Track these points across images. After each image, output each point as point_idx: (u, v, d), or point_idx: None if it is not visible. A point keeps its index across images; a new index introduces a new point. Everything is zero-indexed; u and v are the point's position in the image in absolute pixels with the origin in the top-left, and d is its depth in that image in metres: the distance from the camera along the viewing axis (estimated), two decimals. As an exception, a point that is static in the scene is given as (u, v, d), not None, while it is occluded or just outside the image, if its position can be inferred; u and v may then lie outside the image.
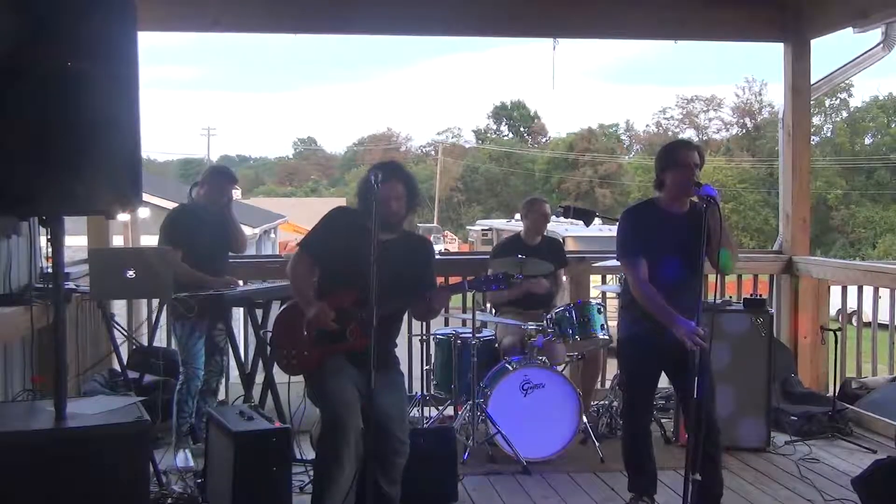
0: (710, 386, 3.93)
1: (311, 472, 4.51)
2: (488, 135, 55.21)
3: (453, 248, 33.30)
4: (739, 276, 6.69)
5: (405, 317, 4.34)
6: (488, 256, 6.05)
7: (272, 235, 26.40)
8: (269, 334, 4.94)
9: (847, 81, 31.25)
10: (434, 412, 5.62)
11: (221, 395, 5.60)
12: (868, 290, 6.45)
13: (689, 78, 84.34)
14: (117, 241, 8.14)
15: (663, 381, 4.37)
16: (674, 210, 4.04)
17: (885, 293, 6.32)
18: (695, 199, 3.95)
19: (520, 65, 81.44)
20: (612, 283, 7.19)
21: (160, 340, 5.56)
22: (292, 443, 4.33)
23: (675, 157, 4.01)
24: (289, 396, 4.45)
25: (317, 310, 3.76)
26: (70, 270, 5.01)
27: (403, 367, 4.22)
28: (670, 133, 47.28)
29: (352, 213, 4.01)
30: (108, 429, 3.15)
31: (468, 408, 5.14)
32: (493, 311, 5.92)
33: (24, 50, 2.93)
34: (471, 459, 5.02)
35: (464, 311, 6.00)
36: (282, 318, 4.04)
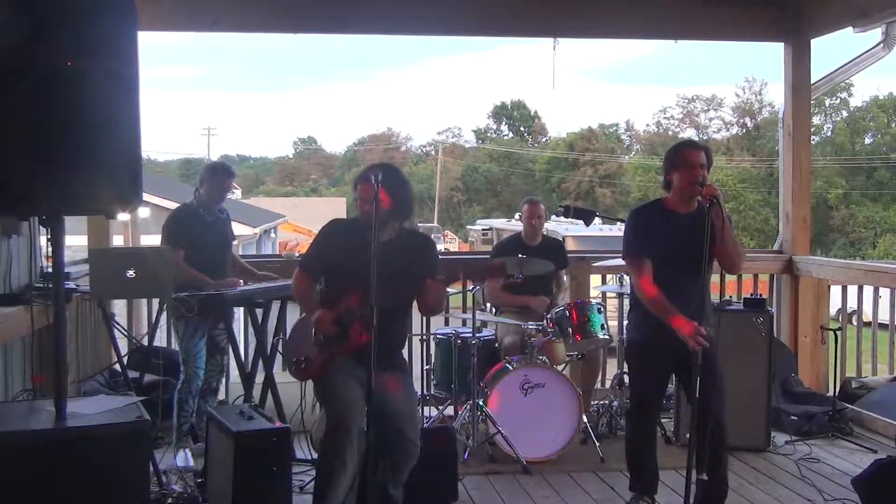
0: (719, 386, 3.94)
1: (312, 472, 4.53)
2: (488, 134, 55.19)
3: (453, 247, 33.32)
4: (739, 276, 6.68)
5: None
6: (489, 256, 6.05)
7: (272, 235, 26.41)
8: (279, 340, 4.98)
9: (847, 81, 31.27)
10: (434, 412, 5.62)
11: (221, 395, 5.60)
12: (868, 290, 6.45)
13: (690, 78, 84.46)
14: (117, 241, 8.14)
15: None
16: (680, 211, 4.04)
17: (885, 293, 6.32)
18: (699, 198, 3.95)
19: (520, 65, 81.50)
20: (612, 283, 7.18)
21: (160, 340, 5.56)
22: (292, 443, 4.32)
23: (681, 157, 4.01)
24: (302, 397, 4.47)
25: (317, 316, 3.84)
26: (70, 270, 5.01)
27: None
28: (671, 133, 47.29)
29: (345, 222, 4.20)
30: (108, 429, 3.15)
31: (468, 408, 5.14)
32: (494, 310, 5.92)
33: (24, 50, 2.93)
34: (471, 459, 5.02)
35: (464, 311, 6.00)
36: (297, 327, 4.14)
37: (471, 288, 5.68)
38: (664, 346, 3.95)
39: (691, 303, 3.86)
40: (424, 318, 5.81)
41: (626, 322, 4.31)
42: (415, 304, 4.08)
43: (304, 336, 3.95)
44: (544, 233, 6.08)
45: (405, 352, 4.59)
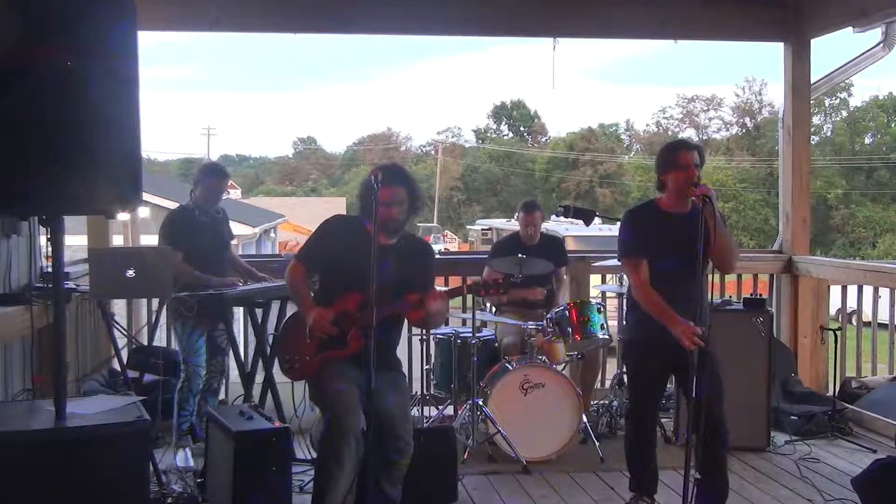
0: (719, 386, 3.94)
1: (312, 472, 4.53)
2: (488, 134, 55.19)
3: (453, 247, 33.32)
4: (739, 276, 6.69)
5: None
6: (488, 256, 6.05)
7: (272, 235, 26.39)
8: (273, 337, 4.97)
9: (847, 81, 31.26)
10: (434, 412, 5.62)
11: (221, 395, 5.60)
12: (868, 290, 6.45)
13: (689, 78, 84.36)
14: (117, 241, 8.14)
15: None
16: (675, 210, 4.05)
17: (884, 293, 6.32)
18: (693, 198, 3.95)
19: (520, 65, 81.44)
20: (612, 282, 7.18)
21: (160, 340, 5.56)
22: (292, 443, 4.33)
23: (674, 158, 4.01)
24: (292, 396, 4.47)
25: (314, 316, 3.79)
26: (70, 270, 5.01)
27: (403, 368, 4.23)
28: (670, 132, 47.29)
29: (348, 219, 4.10)
30: (108, 429, 3.15)
31: (468, 408, 5.14)
32: (494, 310, 5.92)
33: (24, 50, 2.93)
34: (471, 459, 5.02)
35: (464, 311, 6.01)
36: (288, 325, 4.11)
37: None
38: (662, 345, 3.95)
39: (687, 303, 3.86)
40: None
41: (619, 321, 4.31)
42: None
43: (295, 333, 3.93)
44: (543, 231, 6.08)
45: (405, 353, 4.58)
